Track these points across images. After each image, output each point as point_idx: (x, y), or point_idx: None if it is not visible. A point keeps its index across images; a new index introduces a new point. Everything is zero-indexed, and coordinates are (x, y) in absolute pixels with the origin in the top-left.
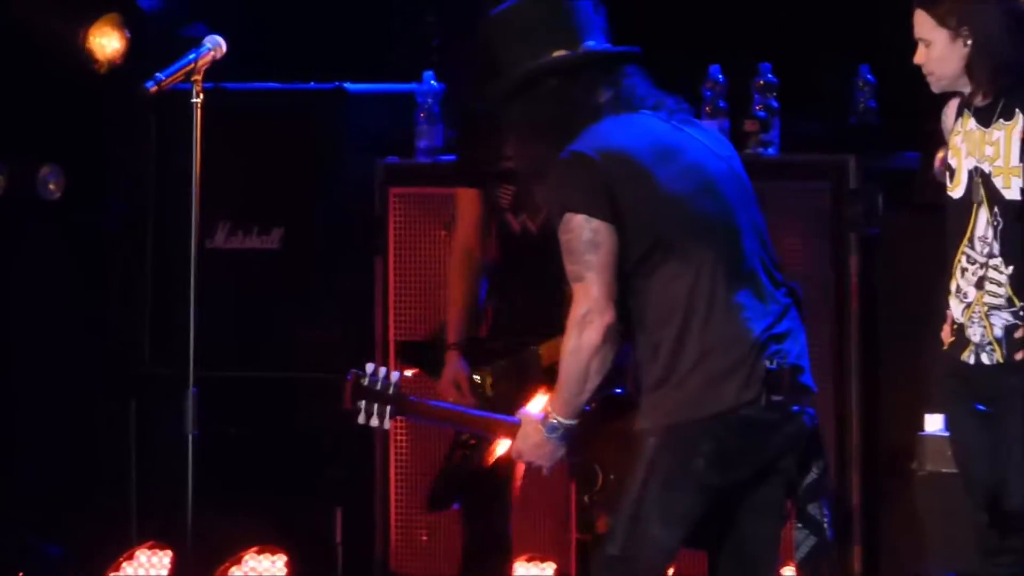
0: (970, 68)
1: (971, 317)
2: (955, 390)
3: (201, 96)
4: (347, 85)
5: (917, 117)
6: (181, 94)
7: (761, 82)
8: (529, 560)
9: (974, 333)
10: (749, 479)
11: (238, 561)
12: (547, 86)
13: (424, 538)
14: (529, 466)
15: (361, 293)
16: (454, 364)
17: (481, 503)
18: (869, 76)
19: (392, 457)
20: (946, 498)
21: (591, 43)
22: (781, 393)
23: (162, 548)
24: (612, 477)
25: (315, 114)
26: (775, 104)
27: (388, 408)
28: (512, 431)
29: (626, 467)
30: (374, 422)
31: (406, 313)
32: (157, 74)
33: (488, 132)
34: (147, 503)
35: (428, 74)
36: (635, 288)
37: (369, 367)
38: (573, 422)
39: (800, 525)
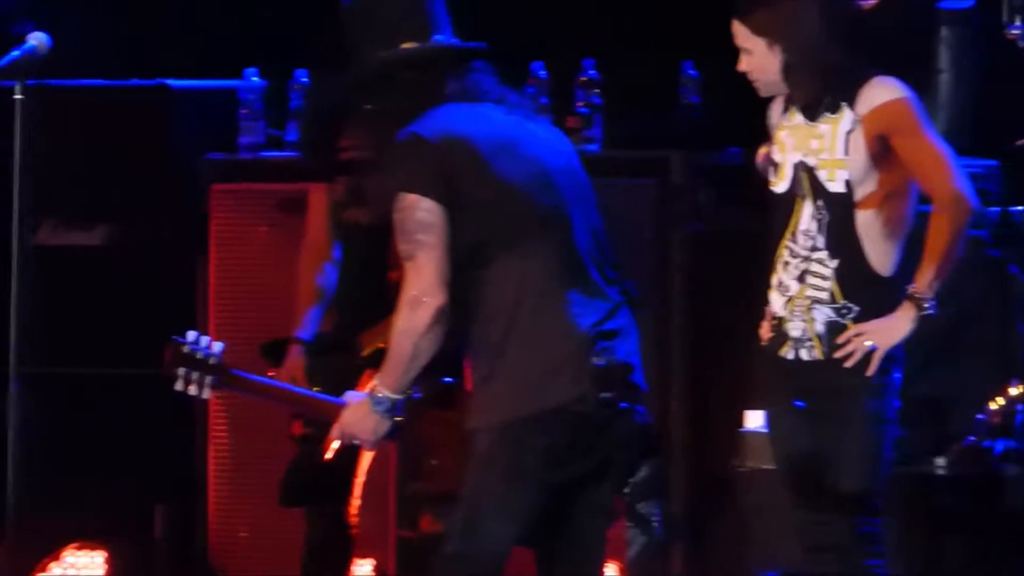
0: (787, 74)
1: (792, 311)
2: (774, 386)
3: (24, 93)
4: (170, 82)
5: (741, 112)
6: (4, 91)
7: (583, 78)
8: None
9: (794, 328)
10: (581, 476)
11: (57, 557)
12: (398, 77)
13: (243, 534)
14: (352, 442)
15: (184, 289)
16: (294, 359)
17: (324, 498)
18: (692, 72)
19: (211, 454)
20: (768, 494)
21: (440, 36)
22: (610, 390)
23: None
24: (435, 463)
25: (139, 111)
26: (598, 100)
27: (208, 378)
28: (337, 411)
29: (451, 456)
30: (192, 390)
31: (228, 309)
32: None
33: (330, 127)
34: None
35: (250, 70)
36: (467, 279)
37: (191, 335)
38: (400, 397)
39: (631, 524)
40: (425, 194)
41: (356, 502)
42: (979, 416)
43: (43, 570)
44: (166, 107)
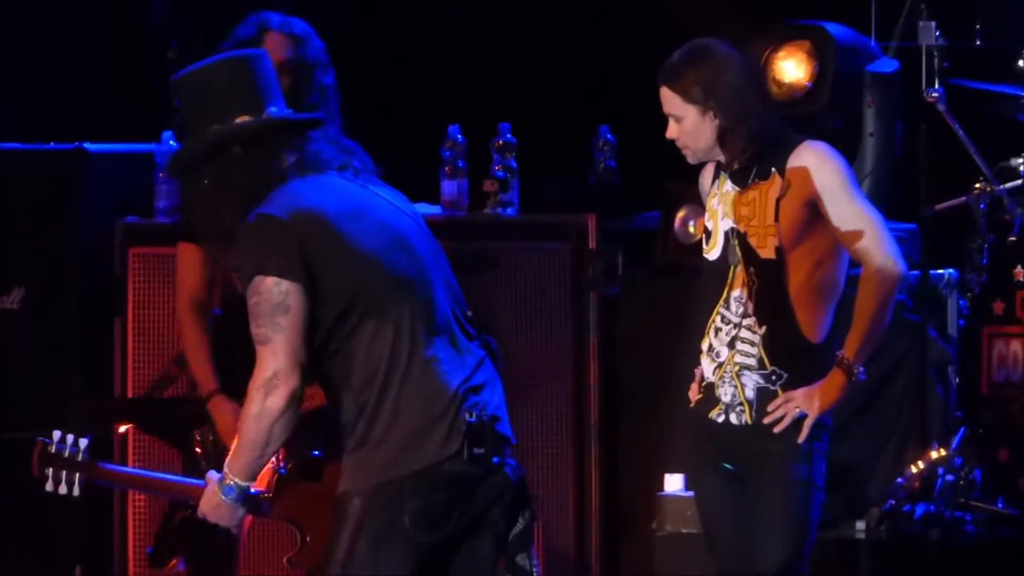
0: (723, 140)
1: (722, 376)
2: (701, 448)
3: None
4: (87, 145)
5: (656, 177)
6: None
7: (500, 142)
8: None
9: (725, 393)
10: (457, 534)
11: None
12: (231, 153)
13: None
14: (215, 526)
15: (100, 353)
16: (225, 407)
17: (206, 560)
18: (609, 136)
19: (130, 513)
20: (686, 558)
21: (273, 109)
22: (483, 446)
23: None
24: (309, 539)
25: (55, 174)
26: (514, 164)
27: (76, 475)
28: (199, 494)
29: (324, 529)
30: (63, 489)
31: (144, 372)
32: None
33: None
34: None
35: (167, 134)
36: (335, 351)
37: (56, 434)
38: (249, 484)
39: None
40: (282, 275)
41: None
42: (899, 480)
43: None
44: (82, 170)
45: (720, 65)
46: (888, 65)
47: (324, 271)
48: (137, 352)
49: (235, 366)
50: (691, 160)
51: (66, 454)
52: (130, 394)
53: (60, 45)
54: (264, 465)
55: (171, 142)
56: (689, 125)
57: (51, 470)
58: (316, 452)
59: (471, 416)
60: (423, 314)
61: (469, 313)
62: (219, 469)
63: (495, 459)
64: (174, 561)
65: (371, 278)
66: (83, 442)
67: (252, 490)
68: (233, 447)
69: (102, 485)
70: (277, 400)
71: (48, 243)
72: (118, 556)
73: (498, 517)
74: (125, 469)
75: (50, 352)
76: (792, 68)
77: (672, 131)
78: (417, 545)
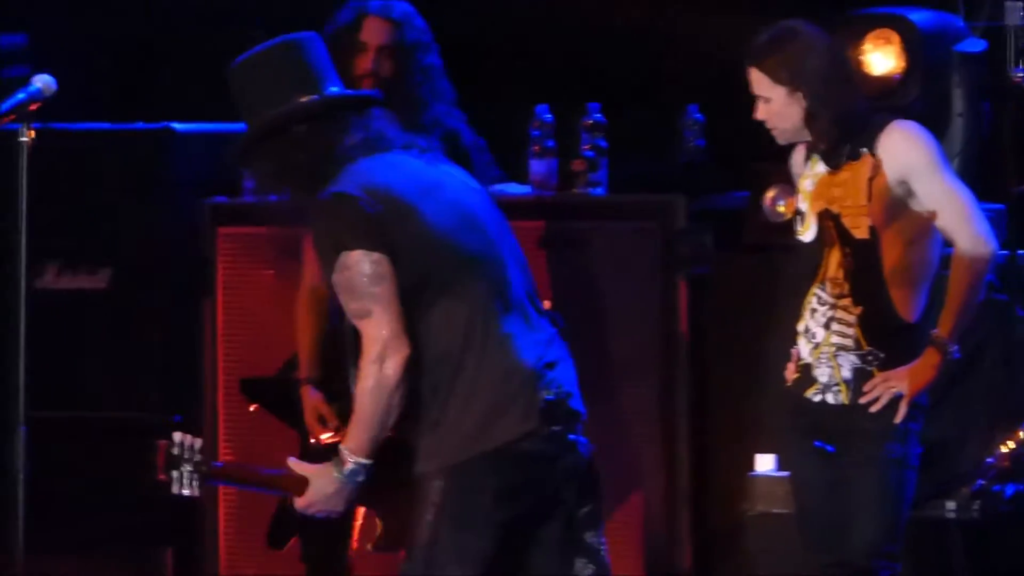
0: (809, 120)
1: (819, 357)
2: (796, 427)
3: (30, 136)
4: (175, 125)
5: (746, 156)
6: (9, 134)
7: (589, 122)
8: None
9: (821, 374)
10: (533, 512)
11: None
12: (296, 132)
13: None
14: (315, 517)
15: (190, 333)
16: (311, 397)
17: (319, 537)
18: (697, 115)
19: (221, 494)
20: (777, 539)
21: (333, 88)
22: (559, 423)
23: None
24: (389, 522)
25: (143, 154)
26: (603, 144)
27: (197, 476)
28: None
29: (401, 511)
30: (186, 491)
31: (235, 353)
32: None
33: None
34: None
35: None
36: (407, 330)
37: (175, 436)
38: (370, 461)
39: (579, 555)
40: (370, 248)
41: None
42: (989, 460)
43: None
44: (171, 150)
45: (807, 47)
46: (975, 45)
47: (399, 248)
48: (226, 332)
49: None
50: (780, 141)
51: (185, 455)
52: (220, 375)
53: (147, 24)
54: (382, 440)
55: None
56: (777, 106)
57: (175, 472)
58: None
59: (548, 393)
60: (497, 291)
61: (537, 288)
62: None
63: (570, 436)
64: (294, 541)
65: (444, 256)
66: (197, 443)
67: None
68: (351, 427)
69: (217, 484)
70: (392, 370)
71: (136, 223)
72: (210, 536)
73: (571, 496)
74: (236, 466)
75: (139, 332)
76: (880, 61)
77: (761, 112)
78: (496, 524)
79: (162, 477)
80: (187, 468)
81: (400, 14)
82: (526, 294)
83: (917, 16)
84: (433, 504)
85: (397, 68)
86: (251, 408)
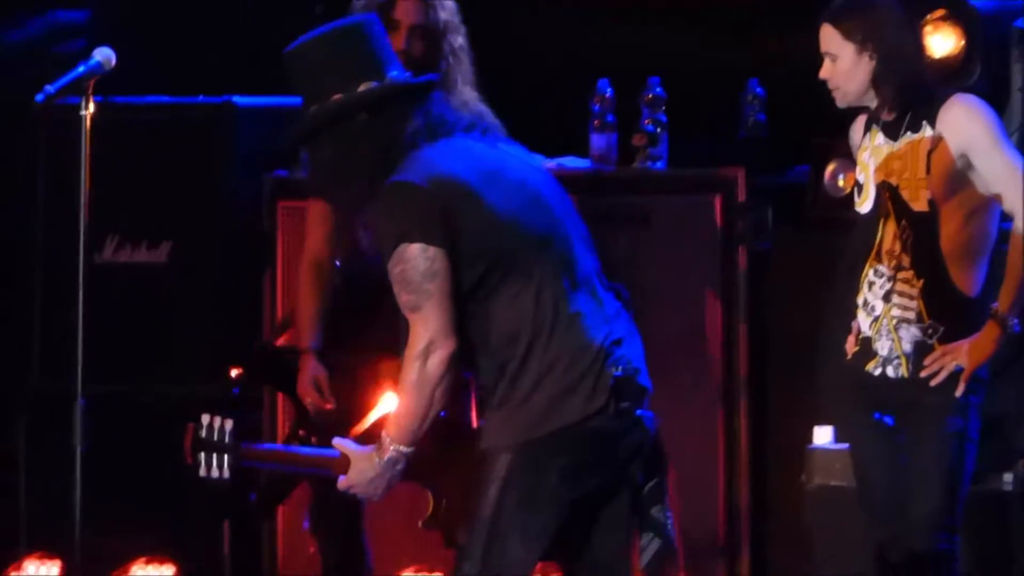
0: (876, 83)
1: (879, 330)
2: (856, 400)
3: (90, 109)
4: (236, 99)
5: (806, 131)
6: (70, 107)
7: (649, 96)
8: (417, 571)
9: (882, 347)
10: (600, 489)
11: (125, 571)
12: (358, 120)
13: (312, 550)
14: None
15: (250, 306)
16: (311, 366)
17: (330, 516)
18: (758, 90)
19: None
20: (835, 511)
21: (394, 73)
22: (627, 400)
23: (50, 558)
24: (444, 501)
25: (204, 128)
26: (663, 118)
27: (227, 457)
28: (340, 464)
29: (458, 489)
30: (214, 473)
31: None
32: (46, 87)
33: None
34: (36, 514)
35: None
36: (473, 312)
37: (204, 418)
38: (412, 450)
39: (645, 530)
40: (428, 242)
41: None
42: None
43: None
44: (231, 124)
45: (884, 10)
46: None
47: (465, 235)
48: (287, 305)
49: (341, 325)
50: (840, 103)
51: (215, 437)
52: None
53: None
54: (425, 430)
55: None
56: (844, 65)
57: (203, 455)
58: (441, 412)
59: (616, 370)
60: (564, 270)
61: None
62: (323, 430)
63: (637, 412)
64: (280, 509)
65: (511, 238)
66: (228, 424)
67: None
68: (393, 416)
69: (247, 464)
70: (437, 365)
71: (196, 197)
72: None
73: (637, 471)
74: (266, 447)
75: (199, 306)
76: (940, 43)
77: (826, 70)
78: (563, 501)
79: (188, 461)
80: (215, 450)
81: None
82: (592, 270)
83: None
84: (499, 479)
85: (428, 48)
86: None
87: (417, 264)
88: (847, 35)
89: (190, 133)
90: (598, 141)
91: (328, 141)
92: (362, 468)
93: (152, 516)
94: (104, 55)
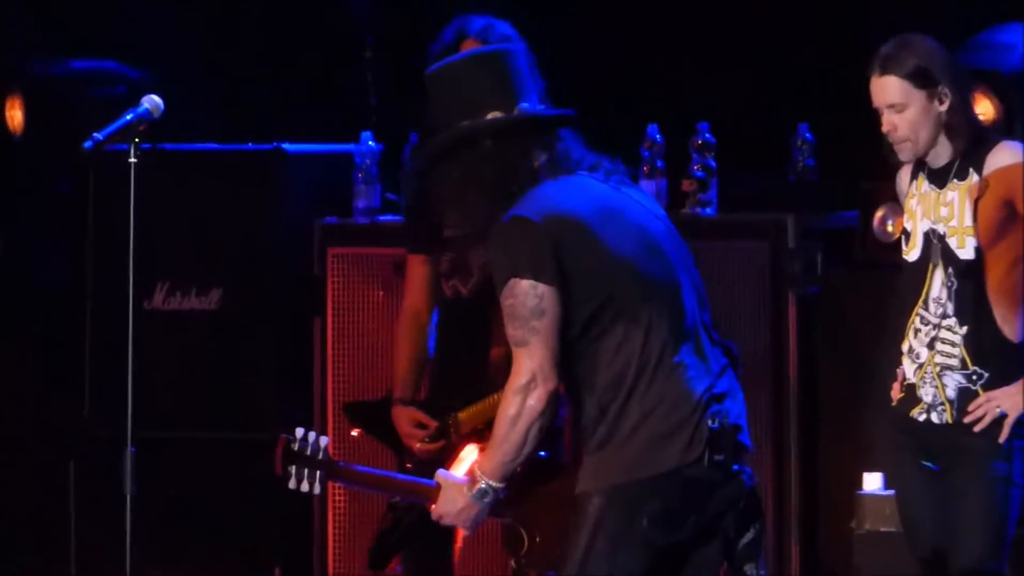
0: (950, 127)
1: (923, 377)
2: (902, 446)
3: (138, 156)
4: (285, 145)
5: (855, 175)
6: (119, 154)
7: (699, 141)
8: None
9: (926, 393)
10: (691, 538)
11: None
12: (482, 147)
13: None
14: (435, 525)
15: (300, 353)
16: (406, 413)
17: (423, 563)
18: (807, 135)
19: (330, 515)
20: (885, 557)
21: (525, 105)
22: (723, 453)
23: None
24: (538, 539)
25: (253, 174)
26: (713, 164)
27: (318, 473)
28: (433, 494)
29: (553, 529)
30: (304, 487)
31: (344, 374)
32: (95, 134)
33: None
34: (87, 561)
35: (366, 134)
36: (581, 352)
37: (299, 431)
38: (503, 486)
39: None
40: (538, 279)
41: (458, 547)
42: None
43: None
44: (281, 171)
45: (941, 50)
46: None
47: (577, 275)
48: (337, 352)
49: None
50: (906, 156)
51: (308, 451)
52: (330, 395)
53: (258, 45)
54: (517, 466)
55: (370, 143)
56: (913, 113)
57: (294, 468)
58: (541, 453)
59: (714, 422)
60: (672, 319)
61: (713, 318)
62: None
63: (735, 467)
64: (394, 563)
65: (624, 282)
66: (324, 440)
67: (503, 492)
68: (487, 449)
69: (339, 482)
70: (537, 402)
71: (247, 243)
72: (318, 557)
73: (730, 524)
74: (362, 468)
75: (250, 353)
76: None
77: (892, 121)
78: (653, 547)
79: (279, 472)
80: (308, 464)
81: (499, 38)
82: (702, 323)
83: (1005, 59)
84: (591, 522)
85: None
86: (353, 433)
87: (526, 300)
88: (914, 82)
89: (240, 180)
90: (648, 187)
91: (451, 166)
92: (452, 496)
93: (203, 563)
94: (152, 102)
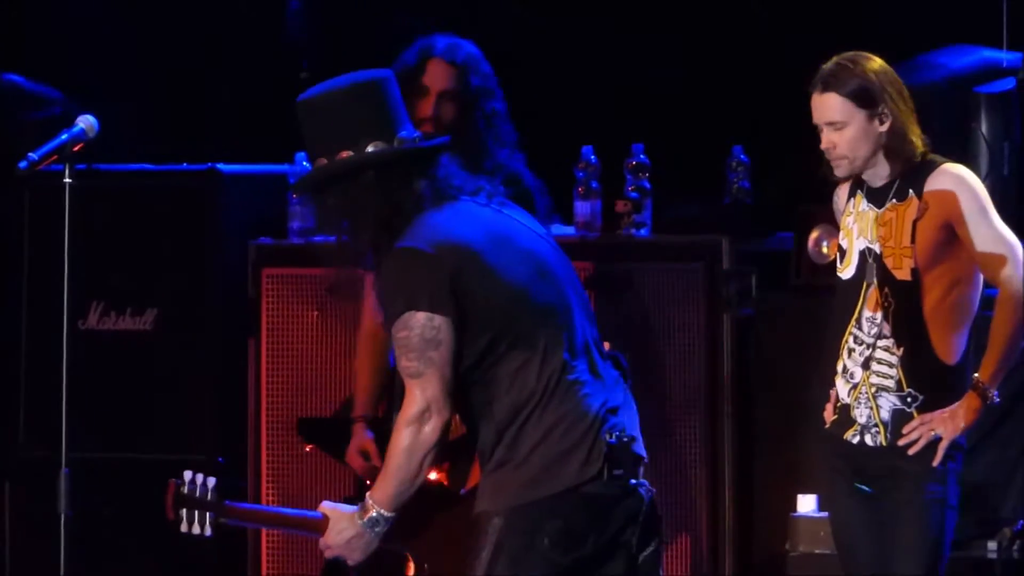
0: (889, 147)
1: (857, 398)
2: (836, 468)
3: (73, 176)
4: (220, 166)
5: (790, 197)
6: (54, 175)
7: (634, 163)
8: None
9: (860, 414)
10: (593, 555)
11: None
12: (365, 178)
13: None
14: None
15: (235, 374)
16: (360, 434)
17: None
18: (742, 156)
19: (264, 549)
20: None
21: (404, 133)
22: (621, 467)
23: None
24: (426, 566)
25: (189, 195)
26: (647, 185)
27: (208, 515)
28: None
29: (441, 556)
30: (195, 530)
31: (279, 393)
32: (30, 154)
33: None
34: None
35: (300, 155)
36: (477, 380)
37: (187, 475)
38: (395, 515)
39: None
40: (435, 311)
41: None
42: None
43: None
44: (216, 191)
45: (885, 69)
46: (1003, 84)
47: (473, 306)
48: (271, 372)
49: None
50: (841, 174)
51: (196, 494)
52: (264, 416)
53: (192, 66)
54: (410, 496)
55: (304, 163)
56: (853, 132)
57: (184, 511)
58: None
59: (611, 437)
60: (566, 339)
61: (599, 334)
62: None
63: (632, 480)
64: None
65: (519, 309)
66: (211, 481)
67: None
68: (379, 479)
69: (230, 523)
70: (431, 432)
71: (181, 264)
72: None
73: (632, 538)
74: (249, 506)
75: (184, 373)
76: None
77: (831, 139)
78: (555, 566)
79: (170, 516)
80: (197, 507)
81: (465, 58)
82: (592, 339)
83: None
84: (491, 543)
85: (459, 113)
86: (307, 448)
87: (423, 332)
88: (856, 101)
89: (175, 200)
90: (582, 208)
91: (333, 195)
92: (340, 528)
93: None
94: (87, 122)
